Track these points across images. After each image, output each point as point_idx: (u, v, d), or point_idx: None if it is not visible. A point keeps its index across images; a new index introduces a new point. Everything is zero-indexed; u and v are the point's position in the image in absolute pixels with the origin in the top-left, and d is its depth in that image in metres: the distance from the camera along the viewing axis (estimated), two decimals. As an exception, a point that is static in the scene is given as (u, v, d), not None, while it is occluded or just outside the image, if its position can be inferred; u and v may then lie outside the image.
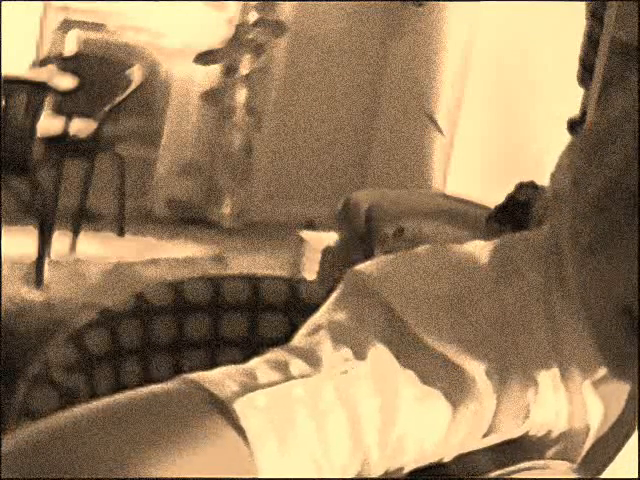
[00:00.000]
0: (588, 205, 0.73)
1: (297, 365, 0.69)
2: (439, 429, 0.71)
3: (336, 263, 3.82)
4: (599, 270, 0.73)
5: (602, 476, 0.78)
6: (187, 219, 5.48)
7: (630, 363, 0.75)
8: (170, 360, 1.08)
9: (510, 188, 3.58)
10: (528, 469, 0.74)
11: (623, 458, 0.79)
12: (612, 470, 0.79)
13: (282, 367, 0.68)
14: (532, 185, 3.50)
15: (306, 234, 4.38)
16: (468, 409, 0.71)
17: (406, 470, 0.72)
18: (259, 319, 1.11)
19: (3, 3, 4.43)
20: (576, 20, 3.96)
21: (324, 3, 5.56)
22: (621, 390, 0.79)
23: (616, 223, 0.71)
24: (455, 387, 0.71)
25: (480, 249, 0.78)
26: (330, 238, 4.00)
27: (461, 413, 0.71)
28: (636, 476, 0.79)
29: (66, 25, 5.31)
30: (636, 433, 0.79)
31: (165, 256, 4.81)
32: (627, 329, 0.72)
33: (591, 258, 0.74)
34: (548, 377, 0.74)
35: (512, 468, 0.72)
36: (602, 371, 0.76)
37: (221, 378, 0.67)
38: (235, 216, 5.55)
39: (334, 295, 0.76)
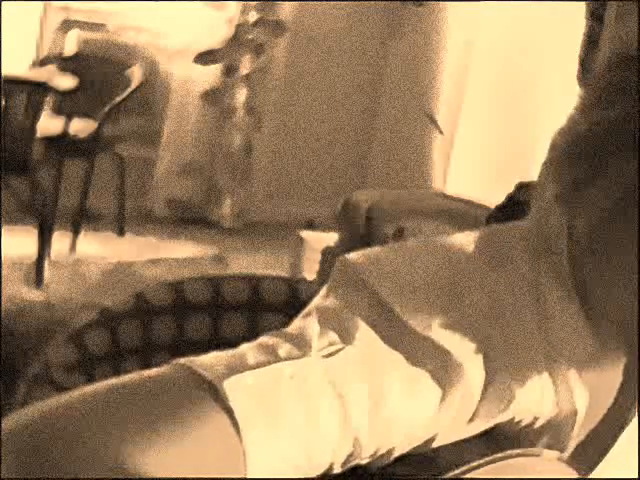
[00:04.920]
0: (589, 208, 0.73)
1: (285, 348, 0.70)
2: (428, 410, 0.72)
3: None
4: (599, 270, 0.74)
5: (602, 474, 0.79)
6: (187, 219, 5.48)
7: (629, 361, 0.76)
8: (170, 360, 1.07)
9: (510, 188, 3.58)
10: (519, 455, 0.74)
11: (622, 455, 0.80)
12: (611, 463, 0.79)
13: (270, 350, 0.69)
14: (532, 185, 3.50)
15: (306, 234, 4.38)
16: (456, 391, 0.72)
17: (396, 453, 0.72)
18: (259, 319, 1.11)
19: (3, 3, 4.43)
20: (576, 20, 3.96)
21: (324, 3, 5.56)
22: (611, 384, 0.79)
23: (616, 223, 0.71)
24: (443, 370, 0.72)
25: (469, 241, 0.79)
26: (330, 238, 4.00)
27: (449, 395, 0.72)
28: (636, 470, 0.79)
29: (66, 25, 5.31)
30: (631, 427, 0.79)
31: (165, 256, 4.81)
32: (628, 327, 0.72)
33: (591, 258, 0.74)
34: (535, 369, 0.75)
35: (503, 454, 0.73)
36: (590, 365, 0.77)
37: (210, 361, 0.68)
38: (235, 216, 5.55)
39: (326, 285, 0.76)
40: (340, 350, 0.70)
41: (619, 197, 0.71)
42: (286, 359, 0.68)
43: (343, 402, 0.68)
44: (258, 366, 0.68)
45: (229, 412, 0.64)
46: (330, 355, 0.69)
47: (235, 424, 0.64)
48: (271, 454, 0.65)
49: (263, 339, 0.71)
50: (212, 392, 0.65)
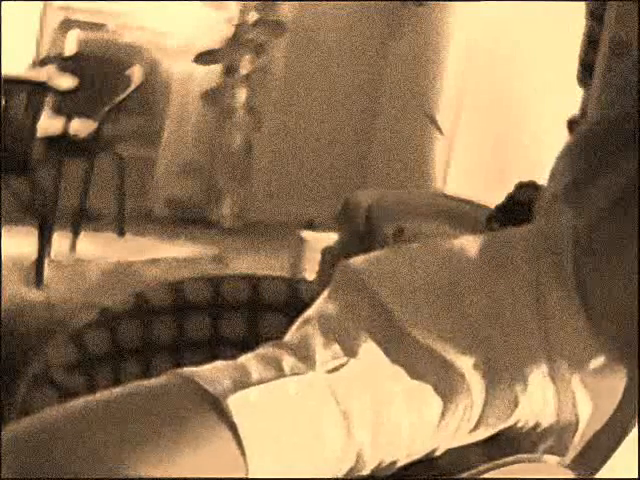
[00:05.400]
0: (588, 205, 0.73)
1: (289, 362, 0.69)
2: (430, 423, 0.71)
3: (336, 263, 3.81)
4: (599, 270, 0.74)
5: (602, 474, 0.79)
6: (187, 219, 5.48)
7: (630, 363, 0.75)
8: (170, 360, 1.07)
9: (510, 188, 3.58)
10: (521, 461, 0.74)
11: (622, 456, 0.79)
12: (611, 468, 0.79)
13: (274, 364, 0.69)
14: (532, 185, 3.50)
15: (306, 234, 4.38)
16: (458, 403, 0.72)
17: (399, 464, 0.72)
18: (259, 319, 1.11)
19: (3, 3, 4.43)
20: (576, 20, 3.96)
21: (324, 3, 5.56)
22: (613, 387, 0.79)
23: (616, 223, 0.71)
24: (444, 381, 0.71)
25: (470, 243, 0.79)
26: (330, 238, 4.00)
27: (451, 407, 0.72)
28: (636, 474, 0.79)
29: (66, 25, 5.31)
30: (635, 432, 0.79)
31: (165, 256, 4.81)
32: (628, 328, 0.72)
33: (592, 258, 0.74)
34: (536, 370, 0.75)
35: (505, 460, 0.73)
36: (591, 366, 0.76)
37: (214, 374, 0.67)
38: (235, 216, 5.55)
39: (327, 288, 0.76)
40: (344, 365, 0.70)
41: (619, 197, 0.71)
42: (290, 374, 0.68)
43: (347, 418, 0.68)
44: (262, 381, 0.67)
45: (233, 428, 0.64)
46: (334, 370, 0.69)
47: (238, 440, 0.64)
48: (274, 470, 0.65)
49: (267, 350, 0.71)
50: (216, 407, 0.65)
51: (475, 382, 0.72)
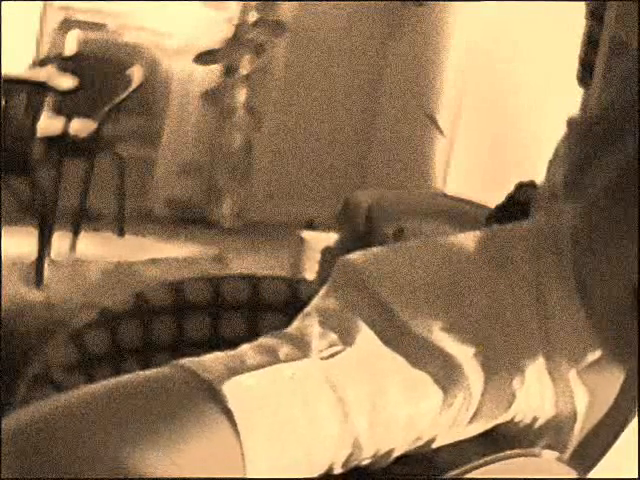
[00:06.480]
0: (588, 205, 0.73)
1: (285, 349, 0.69)
2: (429, 413, 0.72)
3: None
4: (599, 270, 0.74)
5: (602, 472, 0.79)
6: (187, 219, 5.48)
7: (630, 361, 0.76)
8: (170, 360, 1.07)
9: (510, 188, 3.58)
10: (519, 455, 0.74)
11: (621, 453, 0.80)
12: (609, 465, 0.79)
13: (270, 351, 0.69)
14: (532, 185, 3.50)
15: (306, 234, 4.38)
16: (457, 394, 0.72)
17: (396, 453, 0.72)
18: (259, 319, 1.11)
19: (3, 3, 4.43)
20: (576, 20, 3.96)
21: (324, 3, 5.56)
22: (611, 383, 0.79)
23: (616, 223, 0.72)
24: (444, 373, 0.72)
25: (470, 242, 0.79)
26: (330, 238, 4.00)
27: (450, 398, 0.72)
28: (635, 470, 0.79)
29: (66, 25, 5.31)
30: (631, 426, 0.79)
31: (165, 256, 4.81)
32: (628, 328, 0.72)
33: (591, 258, 0.74)
34: (534, 364, 0.75)
35: (502, 454, 0.73)
36: (590, 363, 0.77)
37: (210, 362, 0.68)
38: (235, 216, 5.55)
39: (326, 285, 0.76)
40: (340, 352, 0.70)
41: (619, 197, 0.71)
42: (286, 360, 0.68)
43: (343, 404, 0.68)
44: (258, 367, 0.67)
45: (228, 414, 0.64)
46: (330, 357, 0.69)
47: (234, 425, 0.64)
48: (270, 455, 0.65)
49: (263, 340, 0.71)
50: (211, 394, 0.65)
51: (473, 374, 0.72)
